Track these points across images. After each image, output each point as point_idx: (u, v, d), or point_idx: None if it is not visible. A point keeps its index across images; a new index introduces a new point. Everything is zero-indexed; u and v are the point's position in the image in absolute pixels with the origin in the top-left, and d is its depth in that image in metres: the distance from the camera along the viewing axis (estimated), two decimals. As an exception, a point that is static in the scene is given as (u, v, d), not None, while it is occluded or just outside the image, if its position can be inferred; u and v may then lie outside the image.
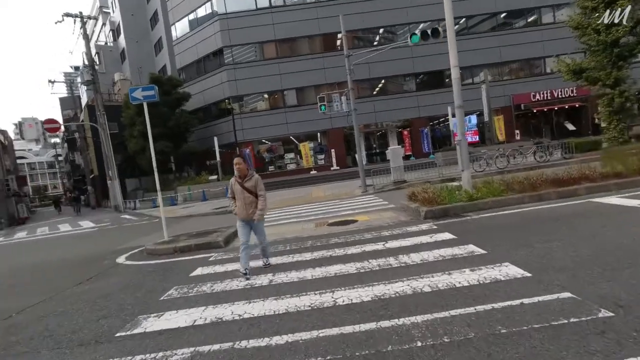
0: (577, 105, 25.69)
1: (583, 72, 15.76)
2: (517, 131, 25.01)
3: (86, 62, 20.01)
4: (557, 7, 25.60)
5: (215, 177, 22.15)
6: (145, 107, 7.89)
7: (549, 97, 25.41)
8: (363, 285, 3.83)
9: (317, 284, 4.10)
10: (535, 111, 25.79)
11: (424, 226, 6.35)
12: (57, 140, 69.22)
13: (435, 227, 6.20)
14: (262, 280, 4.53)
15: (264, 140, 27.11)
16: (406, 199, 8.82)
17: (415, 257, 4.55)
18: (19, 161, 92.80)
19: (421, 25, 25.56)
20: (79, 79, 20.21)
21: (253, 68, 25.43)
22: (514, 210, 6.72)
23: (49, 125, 19.49)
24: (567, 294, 2.94)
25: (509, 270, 3.65)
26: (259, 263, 5.32)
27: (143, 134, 23.31)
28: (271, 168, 26.60)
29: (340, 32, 26.45)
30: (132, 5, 38.79)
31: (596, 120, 25.43)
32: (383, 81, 26.28)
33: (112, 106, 31.85)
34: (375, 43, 25.72)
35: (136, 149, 24.07)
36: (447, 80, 26.16)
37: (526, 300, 2.93)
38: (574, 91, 25.39)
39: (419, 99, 25.66)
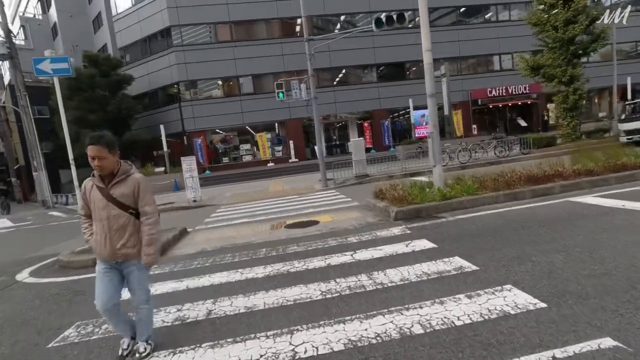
0: (529, 102, 26.61)
1: (540, 68, 15.95)
2: (474, 126, 25.41)
3: (0, 33, 17.06)
4: (512, 4, 26.16)
5: (162, 169, 20.18)
6: (57, 84, 6.31)
7: (504, 94, 26.07)
8: (331, 320, 2.89)
9: (270, 318, 3.09)
10: (491, 107, 26.37)
11: (396, 230, 5.53)
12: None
13: (409, 231, 5.41)
14: (198, 312, 3.42)
15: (217, 130, 25.32)
16: (372, 197, 8.03)
17: (394, 275, 3.68)
18: None
19: (383, 15, 24.97)
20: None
21: (205, 51, 23.46)
22: (491, 211, 6.11)
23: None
24: (609, 342, 2.18)
25: (516, 298, 2.87)
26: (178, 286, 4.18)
27: (77, 119, 20.69)
28: (225, 160, 24.94)
29: (299, 17, 25.26)
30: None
31: (545, 117, 26.56)
32: (344, 71, 25.47)
33: (42, 87, 28.20)
34: (336, 31, 24.73)
35: (70, 136, 21.23)
36: (408, 72, 25.95)
37: (559, 354, 2.12)
38: (527, 88, 26.24)
39: (380, 90, 25.19)
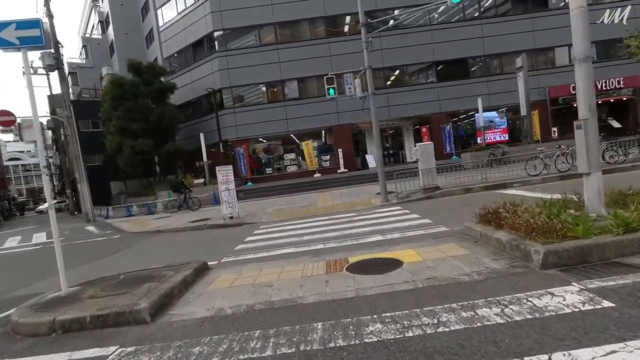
0: (624, 99, 22.16)
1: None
2: (554, 129, 21.50)
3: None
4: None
5: (201, 180, 18.78)
6: (26, 60, 4.49)
7: (591, 89, 21.84)
8: None
9: None
10: (575, 105, 22.21)
11: (572, 296, 2.89)
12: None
13: (596, 296, 2.76)
14: None
15: (260, 139, 23.75)
16: (475, 219, 5.40)
17: None
18: (12, 163, 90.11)
19: (441, 8, 22.19)
20: (37, 64, 16.98)
21: (248, 55, 22.11)
22: None
23: (1, 118, 16.21)
24: None
25: None
26: None
27: (120, 129, 20.05)
28: (269, 170, 23.21)
29: (347, 15, 23.26)
30: (120, -7, 35.75)
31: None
32: (398, 71, 22.87)
33: (94, 102, 28.70)
34: (389, 25, 22.26)
35: (112, 147, 20.71)
36: (472, 69, 22.76)
37: None
38: (621, 82, 21.90)
39: (439, 91, 22.24)
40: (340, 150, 21.83)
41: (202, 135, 17.72)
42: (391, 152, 24.18)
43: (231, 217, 11.73)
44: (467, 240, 5.15)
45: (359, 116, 22.26)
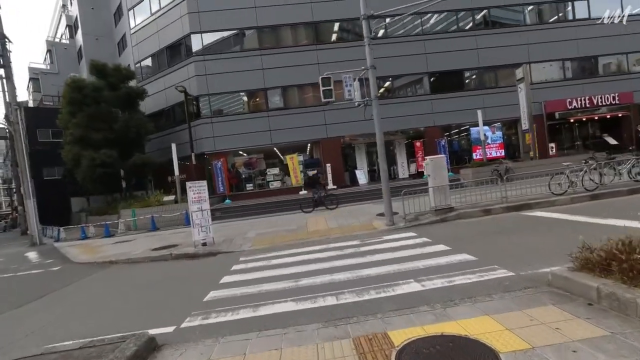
0: (619, 115, 21.56)
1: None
2: (551, 145, 20.52)
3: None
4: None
5: (172, 197, 16.43)
6: None
7: (587, 105, 21.20)
8: None
9: None
10: (572, 121, 21.50)
11: None
12: None
13: None
14: None
15: (240, 152, 21.66)
16: (575, 267, 3.58)
17: None
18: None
19: (434, 18, 21.23)
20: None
21: (229, 61, 20.23)
22: None
23: None
24: None
25: None
26: None
27: (79, 139, 17.53)
28: (249, 186, 21.06)
29: (337, 21, 21.88)
30: (92, -2, 33.46)
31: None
32: (389, 82, 21.51)
33: (51, 109, 26.02)
34: (379, 35, 21.01)
35: (69, 159, 18.07)
36: (466, 82, 21.70)
37: None
38: (616, 98, 21.31)
39: (433, 104, 20.96)
40: (328, 165, 20.02)
41: (173, 147, 15.48)
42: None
43: (204, 244, 9.57)
44: (569, 299, 3.30)
45: (349, 129, 20.78)
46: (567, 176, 10.29)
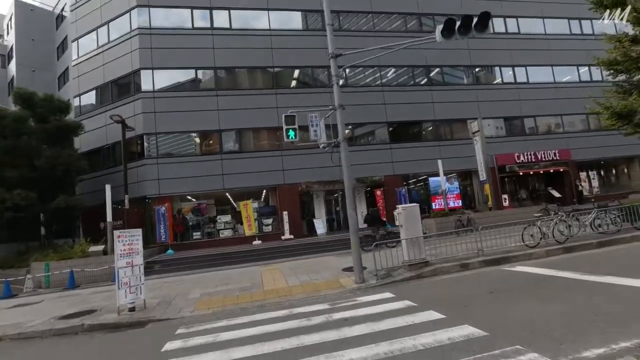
0: (561, 170, 22.99)
1: (634, 115, 12.04)
2: (504, 196, 21.06)
3: None
4: (530, 67, 24.00)
5: (100, 247, 13.90)
6: None
7: (532, 159, 22.43)
8: None
9: None
10: (521, 174, 22.49)
11: None
12: None
13: None
14: None
15: (189, 197, 19.70)
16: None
17: None
18: None
19: (391, 71, 21.98)
20: None
21: (181, 99, 18.96)
22: None
23: None
24: None
25: None
26: None
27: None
28: (197, 235, 18.89)
29: (297, 68, 21.79)
30: (35, 30, 31.23)
31: (580, 187, 22.78)
32: (350, 128, 21.33)
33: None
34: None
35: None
36: (424, 132, 22.17)
37: None
38: (556, 154, 22.85)
39: (392, 153, 20.94)
40: (285, 213, 18.65)
41: (107, 188, 13.31)
42: (342, 215, 21.61)
43: (132, 309, 7.58)
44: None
45: (308, 175, 19.85)
46: (539, 228, 9.91)
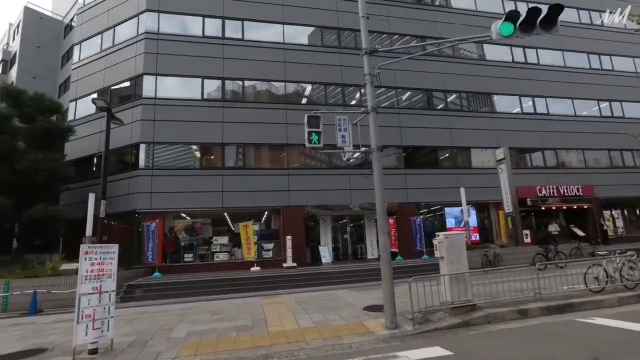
0: (585, 207, 21.43)
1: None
2: (525, 232, 19.32)
3: None
4: (554, 98, 23.03)
5: (75, 265, 11.97)
6: None
7: (555, 194, 20.93)
8: None
9: None
10: (543, 208, 20.90)
11: None
12: None
13: None
14: None
15: (183, 214, 17.92)
16: None
17: None
18: None
19: (407, 94, 20.88)
20: None
21: (184, 108, 17.62)
22: None
23: None
24: None
25: None
26: None
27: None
28: (189, 257, 16.95)
29: (309, 83, 20.63)
30: (41, 38, 30.68)
31: (604, 227, 21.13)
32: (363, 151, 19.88)
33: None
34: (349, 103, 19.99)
35: None
36: (440, 159, 20.76)
37: None
38: (579, 190, 21.38)
39: (407, 179, 19.41)
40: (289, 238, 16.81)
41: (91, 197, 11.56)
42: (349, 245, 19.75)
43: (93, 352, 5.72)
44: None
45: (315, 198, 18.20)
46: (605, 269, 8.19)
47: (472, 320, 6.80)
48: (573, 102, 23.56)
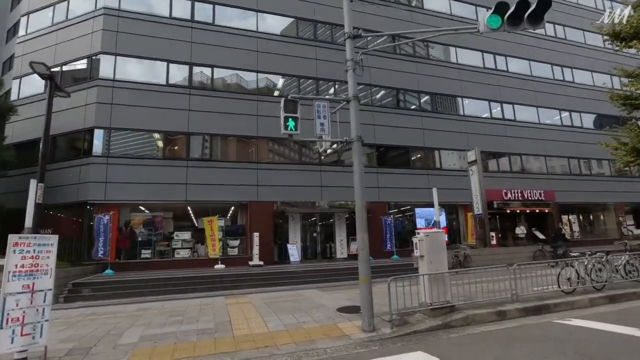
0: (546, 211, 22.29)
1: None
2: (492, 234, 19.74)
3: None
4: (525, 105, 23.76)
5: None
6: None
7: (519, 197, 21.58)
8: None
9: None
10: (508, 211, 21.47)
11: None
12: None
13: None
14: None
15: (141, 207, 16.62)
16: None
17: None
18: None
19: (381, 93, 20.72)
20: None
21: (146, 93, 16.33)
22: None
23: None
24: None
25: None
26: None
27: None
28: (147, 253, 15.70)
29: (283, 75, 19.82)
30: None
31: (563, 231, 22.02)
32: (335, 146, 19.46)
33: None
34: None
35: None
36: (412, 159, 20.75)
37: None
38: (541, 195, 22.20)
39: (379, 177, 19.20)
40: (256, 235, 16.01)
41: (32, 183, 10.17)
42: (318, 243, 19.23)
43: (21, 363, 4.76)
44: None
45: (285, 193, 17.53)
46: (577, 270, 8.20)
47: (452, 322, 6.47)
48: (537, 110, 24.47)
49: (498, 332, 5.99)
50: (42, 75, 6.48)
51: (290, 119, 6.68)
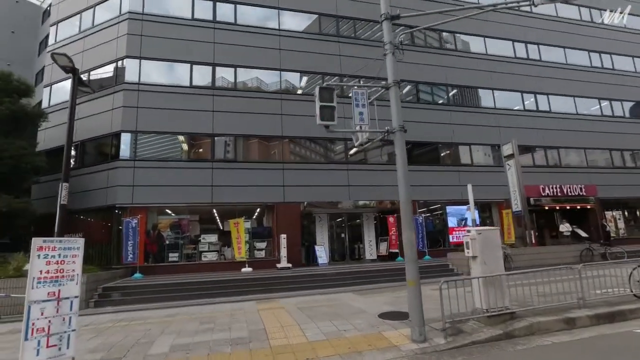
0: (588, 207, 20.84)
1: None
2: (530, 232, 18.52)
3: None
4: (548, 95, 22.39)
5: (42, 266, 10.46)
6: None
7: (558, 193, 20.26)
8: None
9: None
10: (547, 208, 20.20)
11: None
12: None
13: None
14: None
15: (168, 211, 16.51)
16: None
17: None
18: None
19: (407, 87, 19.94)
20: None
21: (171, 95, 16.24)
22: None
23: None
24: None
25: None
26: None
27: None
28: (174, 257, 15.55)
29: (306, 72, 19.34)
30: (17, 23, 28.79)
31: (607, 228, 20.49)
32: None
33: None
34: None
35: None
36: (441, 156, 19.84)
37: None
38: (582, 189, 20.77)
39: (411, 175, 18.31)
40: (283, 237, 15.58)
41: (62, 187, 10.09)
42: (347, 244, 18.61)
43: (48, 377, 4.39)
44: None
45: (312, 194, 17.02)
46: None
47: (514, 331, 5.74)
48: (575, 100, 23.00)
49: (573, 344, 5.23)
50: (64, 68, 6.24)
51: (326, 109, 6.14)
